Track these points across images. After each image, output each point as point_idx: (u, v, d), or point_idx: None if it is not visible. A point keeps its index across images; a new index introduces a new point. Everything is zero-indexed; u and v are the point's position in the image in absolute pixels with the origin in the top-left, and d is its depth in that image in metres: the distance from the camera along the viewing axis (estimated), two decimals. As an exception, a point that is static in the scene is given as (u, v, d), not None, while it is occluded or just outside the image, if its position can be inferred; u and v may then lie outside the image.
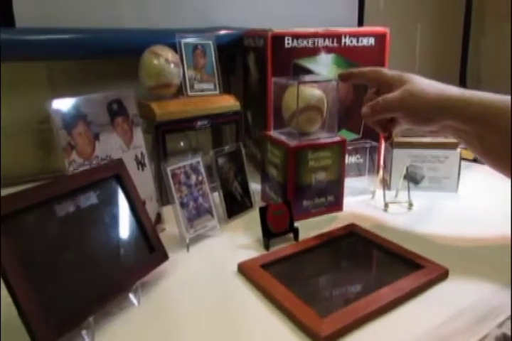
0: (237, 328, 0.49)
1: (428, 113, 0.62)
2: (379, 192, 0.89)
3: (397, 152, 0.91)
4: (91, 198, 0.50)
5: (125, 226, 0.53)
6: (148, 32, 0.95)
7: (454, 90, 0.62)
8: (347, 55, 0.93)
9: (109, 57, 0.95)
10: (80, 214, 0.48)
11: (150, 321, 0.50)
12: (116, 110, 0.65)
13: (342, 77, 0.73)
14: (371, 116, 0.67)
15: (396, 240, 0.67)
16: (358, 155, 0.98)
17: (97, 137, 0.61)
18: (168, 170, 0.64)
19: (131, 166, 0.67)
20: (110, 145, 0.64)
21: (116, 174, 0.55)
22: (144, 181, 0.69)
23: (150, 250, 0.55)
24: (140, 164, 0.69)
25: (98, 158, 0.61)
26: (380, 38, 0.94)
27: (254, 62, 1.00)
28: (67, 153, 0.57)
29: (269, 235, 0.66)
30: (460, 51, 1.52)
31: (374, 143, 0.93)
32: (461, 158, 0.90)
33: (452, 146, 0.91)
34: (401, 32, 0.95)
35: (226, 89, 1.14)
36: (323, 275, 0.61)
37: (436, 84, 0.64)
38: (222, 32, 1.07)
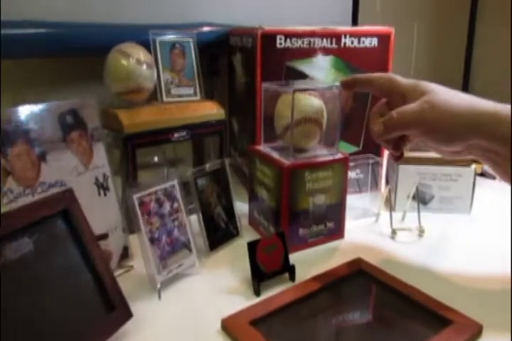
0: None
1: (454, 130, 0.51)
2: (383, 213, 0.78)
3: (403, 168, 0.80)
4: (24, 246, 0.37)
5: (73, 282, 0.41)
6: (117, 27, 0.82)
7: (484, 103, 0.51)
8: (347, 58, 0.81)
9: (72, 56, 0.81)
10: (6, 269, 0.36)
11: None
12: (70, 123, 0.53)
13: (345, 85, 0.61)
14: (385, 135, 0.55)
15: (412, 281, 0.56)
16: (358, 170, 0.86)
17: (43, 158, 0.48)
18: (135, 198, 0.52)
19: (89, 191, 0.55)
20: (62, 168, 0.51)
21: (63, 210, 0.42)
22: (106, 209, 0.57)
23: (108, 309, 0.43)
24: (102, 188, 0.56)
25: (45, 184, 0.49)
26: (384, 39, 0.82)
27: (241, 63, 0.87)
28: (1, 181, 0.44)
29: (260, 278, 0.54)
30: (463, 55, 1.42)
31: (376, 158, 0.81)
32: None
33: (466, 163, 0.80)
34: (397, 32, 0.83)
35: (209, 93, 1.02)
36: (331, 334, 0.48)
37: (463, 95, 0.53)
38: (205, 29, 0.95)
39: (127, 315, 0.44)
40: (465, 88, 1.43)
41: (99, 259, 0.43)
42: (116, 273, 0.56)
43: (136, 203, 0.52)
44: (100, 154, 0.57)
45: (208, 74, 1.03)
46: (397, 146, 0.59)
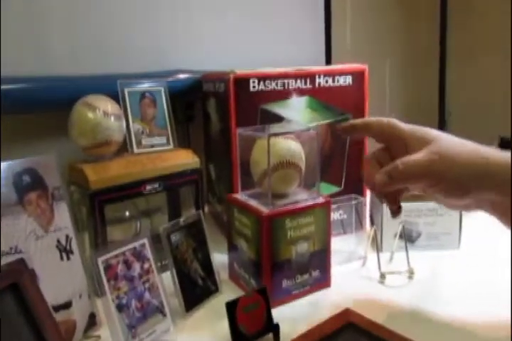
0: None
1: (465, 182, 0.48)
2: (370, 255, 0.74)
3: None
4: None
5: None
6: (83, 79, 0.80)
7: (494, 153, 0.48)
8: (322, 97, 0.80)
9: (34, 111, 0.78)
10: None
11: None
12: (28, 183, 0.49)
13: (343, 131, 0.57)
14: (388, 186, 0.51)
15: (405, 331, 0.51)
16: (341, 211, 0.83)
17: (-6, 224, 0.45)
18: (100, 261, 0.48)
19: (50, 256, 0.50)
20: (17, 233, 0.47)
21: (12, 284, 0.38)
22: (70, 274, 0.52)
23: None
24: (64, 251, 0.52)
25: (-3, 252, 0.44)
26: (358, 76, 0.82)
27: (215, 109, 0.86)
28: None
29: (241, 341, 0.49)
30: (437, 85, 1.43)
31: (359, 198, 0.79)
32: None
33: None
34: (370, 69, 0.82)
35: (185, 141, 1.00)
36: None
37: (467, 143, 0.50)
38: (180, 76, 0.93)
39: None
40: (441, 123, 1.43)
41: (54, 335, 0.38)
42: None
43: (102, 267, 0.48)
44: (62, 215, 0.53)
45: (183, 121, 1.01)
46: (395, 199, 0.55)
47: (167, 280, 0.56)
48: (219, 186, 0.89)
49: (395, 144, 0.53)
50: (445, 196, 0.51)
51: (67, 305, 0.51)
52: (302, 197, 0.64)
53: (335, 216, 0.82)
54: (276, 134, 0.61)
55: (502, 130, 1.22)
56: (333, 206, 0.76)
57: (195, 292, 0.60)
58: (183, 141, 0.81)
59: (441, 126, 1.42)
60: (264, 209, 0.59)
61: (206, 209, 0.89)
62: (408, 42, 1.49)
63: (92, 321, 0.54)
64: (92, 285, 0.55)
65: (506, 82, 1.32)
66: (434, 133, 0.51)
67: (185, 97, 0.98)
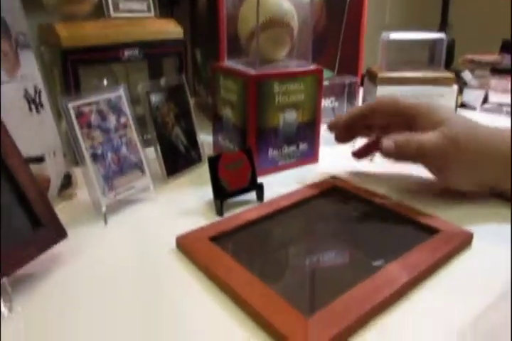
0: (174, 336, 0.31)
1: (478, 171, 0.47)
2: (360, 140, 0.72)
3: (381, 90, 0.73)
4: None
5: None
6: None
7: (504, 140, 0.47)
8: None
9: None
10: None
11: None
12: (-15, 20, 0.44)
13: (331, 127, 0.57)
14: (393, 156, 0.49)
15: (394, 196, 0.50)
16: (333, 98, 0.79)
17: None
18: (71, 106, 0.44)
19: (17, 105, 0.46)
20: (-23, 71, 0.42)
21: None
22: (41, 128, 0.49)
23: (34, 225, 0.36)
24: (33, 103, 0.48)
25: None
26: None
27: (200, -20, 0.78)
28: None
29: (222, 195, 0.47)
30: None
31: (353, 78, 0.74)
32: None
33: (448, 82, 0.74)
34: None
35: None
36: (301, 249, 0.42)
37: (481, 125, 0.49)
38: None
39: (60, 233, 0.37)
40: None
41: (19, 167, 0.35)
42: (56, 203, 0.49)
43: (73, 113, 0.44)
44: (29, 63, 0.48)
45: (167, 4, 0.93)
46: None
47: (150, 153, 0.53)
48: (205, 68, 0.83)
49: (394, 120, 0.52)
50: (455, 178, 0.49)
51: (38, 159, 0.48)
52: (292, 64, 0.59)
53: (326, 103, 0.78)
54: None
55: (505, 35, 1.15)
56: (326, 83, 0.72)
57: (177, 157, 0.57)
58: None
59: (442, 29, 1.35)
60: (252, 71, 0.55)
61: (192, 100, 0.85)
62: None
63: (68, 181, 0.52)
64: (68, 149, 0.52)
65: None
66: (444, 112, 0.49)
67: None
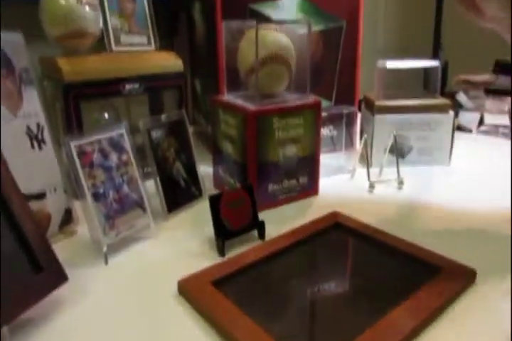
0: None
1: None
2: (359, 170, 0.72)
3: (379, 118, 0.74)
4: None
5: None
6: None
7: None
8: (315, 0, 0.74)
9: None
10: None
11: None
12: (-10, 60, 0.44)
13: None
14: None
15: (394, 231, 0.50)
16: (331, 127, 0.80)
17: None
18: (73, 146, 0.44)
19: (20, 142, 0.47)
20: (-20, 112, 0.43)
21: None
22: (42, 165, 0.49)
23: (35, 269, 0.35)
24: (36, 140, 0.48)
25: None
26: (355, -21, 0.75)
27: (200, 12, 0.79)
28: None
29: (224, 235, 0.47)
30: (433, 16, 1.36)
31: (351, 108, 0.75)
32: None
33: (444, 109, 0.74)
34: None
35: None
36: (303, 294, 0.41)
37: None
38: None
39: (60, 277, 0.37)
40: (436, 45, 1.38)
41: (22, 211, 0.35)
42: (56, 239, 0.49)
43: (75, 152, 0.44)
44: (32, 100, 0.48)
45: (167, 34, 0.94)
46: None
47: (150, 188, 0.53)
48: (205, 100, 0.84)
49: None
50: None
51: (39, 196, 0.48)
52: (291, 98, 0.60)
53: (325, 132, 0.78)
54: (266, 21, 0.56)
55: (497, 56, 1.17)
56: (324, 114, 0.73)
57: (178, 193, 0.57)
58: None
59: (436, 52, 1.37)
60: (251, 106, 0.55)
61: (192, 129, 0.85)
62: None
63: (68, 217, 0.52)
64: (69, 185, 0.52)
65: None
66: None
67: (169, 6, 0.90)
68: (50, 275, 0.36)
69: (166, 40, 0.94)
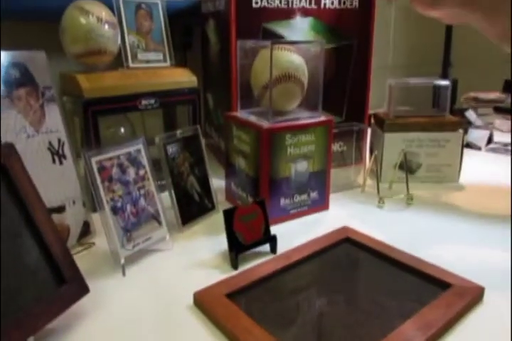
0: None
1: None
2: (368, 185, 0.73)
3: (389, 136, 0.75)
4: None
5: (12, 246, 0.34)
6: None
7: None
8: (327, 19, 0.75)
9: (22, 18, 0.74)
10: None
11: None
12: (17, 78, 0.46)
13: None
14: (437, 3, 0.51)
15: (403, 247, 0.51)
16: (341, 142, 0.81)
17: (-18, 115, 0.42)
18: (94, 161, 0.46)
19: (42, 157, 0.48)
20: (6, 127, 0.44)
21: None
22: (62, 179, 0.50)
23: (59, 281, 0.37)
24: (57, 155, 0.50)
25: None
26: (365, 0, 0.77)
27: (214, 30, 0.81)
28: None
29: (237, 249, 0.48)
30: (443, 32, 1.38)
31: (361, 125, 0.76)
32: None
33: (453, 127, 0.75)
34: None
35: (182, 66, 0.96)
36: (315, 307, 0.42)
37: None
38: (175, -3, 0.88)
39: (82, 289, 0.38)
40: (445, 65, 1.39)
41: (47, 225, 0.37)
42: (75, 251, 0.50)
43: (95, 168, 0.46)
44: (54, 117, 0.50)
45: (180, 48, 0.97)
46: None
47: (165, 199, 0.55)
48: (217, 114, 0.86)
49: None
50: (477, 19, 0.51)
51: (59, 209, 0.50)
52: (303, 115, 0.61)
53: (335, 147, 0.80)
54: (279, 42, 0.58)
55: (506, 75, 1.19)
56: (335, 131, 0.74)
57: (192, 206, 0.59)
58: (179, 66, 0.78)
59: (445, 69, 1.38)
60: (264, 124, 0.57)
61: (204, 141, 0.87)
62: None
63: (86, 229, 0.53)
64: (87, 197, 0.54)
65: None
66: None
67: (182, 21, 0.93)
68: (72, 287, 0.37)
69: (179, 53, 0.96)
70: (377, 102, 0.85)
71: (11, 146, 0.37)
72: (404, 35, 1.48)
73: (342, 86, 0.82)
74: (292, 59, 0.59)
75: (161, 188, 0.54)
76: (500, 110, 1.01)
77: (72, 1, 0.62)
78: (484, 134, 0.97)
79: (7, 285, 0.32)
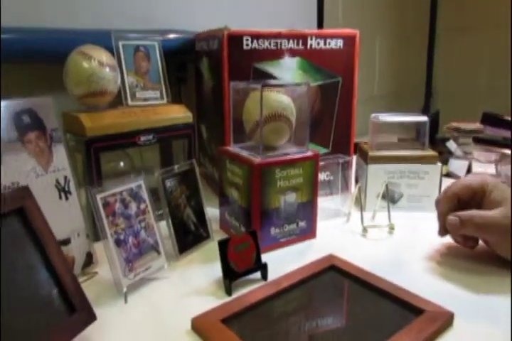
0: None
1: None
2: (354, 213, 0.78)
3: (372, 168, 0.80)
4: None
5: (31, 281, 0.38)
6: (75, 33, 0.80)
7: None
8: (313, 59, 0.81)
9: (28, 61, 0.79)
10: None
11: None
12: (28, 123, 0.51)
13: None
14: (457, 230, 0.58)
15: (382, 273, 0.55)
16: (328, 172, 0.86)
17: (-2, 158, 0.46)
18: (99, 198, 0.50)
19: (50, 195, 0.52)
20: (18, 169, 0.49)
21: (18, 208, 0.40)
22: (68, 213, 0.54)
23: (69, 311, 0.40)
24: (63, 191, 0.54)
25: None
26: (349, 41, 0.83)
27: (207, 68, 0.87)
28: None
29: (231, 277, 0.52)
30: (424, 63, 1.45)
31: (346, 158, 0.81)
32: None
33: (432, 160, 0.81)
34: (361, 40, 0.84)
35: (177, 101, 1.01)
36: (304, 329, 0.46)
37: None
38: (171, 35, 0.94)
39: (90, 317, 0.42)
40: (427, 97, 1.46)
41: (58, 258, 0.41)
42: (80, 280, 0.54)
43: (100, 204, 0.50)
44: (60, 156, 0.55)
45: (175, 83, 1.02)
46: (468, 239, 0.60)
47: (163, 228, 0.59)
48: (210, 145, 0.91)
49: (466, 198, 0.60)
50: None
51: (65, 242, 0.53)
52: (292, 151, 0.66)
53: (322, 177, 0.85)
54: (269, 85, 0.63)
55: (487, 108, 1.24)
56: (321, 163, 0.79)
57: (188, 236, 0.63)
58: (174, 101, 0.83)
59: (427, 99, 1.45)
60: (255, 159, 0.62)
61: (198, 170, 0.92)
62: (398, 18, 1.50)
63: (89, 259, 0.57)
64: (89, 227, 0.58)
65: (493, 60, 1.35)
66: (502, 191, 0.58)
67: (177, 58, 0.99)
68: (81, 315, 0.41)
69: (174, 87, 1.02)
70: (364, 127, 0.89)
71: (26, 189, 0.41)
72: (389, 65, 1.55)
73: (329, 120, 0.87)
74: (281, 99, 0.64)
75: (158, 217, 0.58)
76: (478, 140, 1.07)
77: (68, 44, 0.67)
78: (464, 164, 1.02)
79: (26, 316, 0.36)
